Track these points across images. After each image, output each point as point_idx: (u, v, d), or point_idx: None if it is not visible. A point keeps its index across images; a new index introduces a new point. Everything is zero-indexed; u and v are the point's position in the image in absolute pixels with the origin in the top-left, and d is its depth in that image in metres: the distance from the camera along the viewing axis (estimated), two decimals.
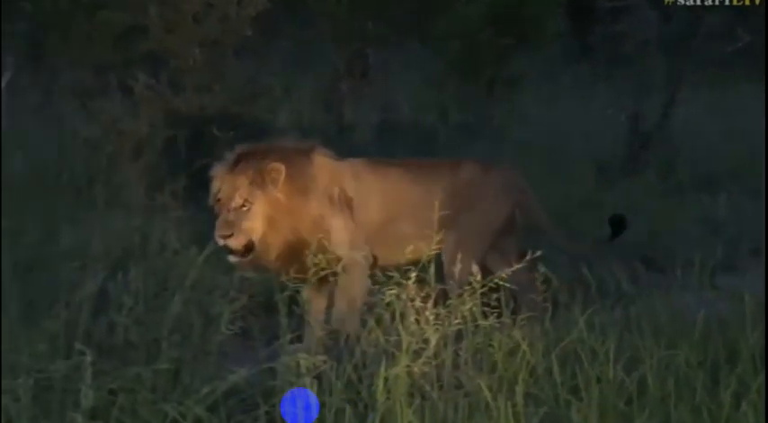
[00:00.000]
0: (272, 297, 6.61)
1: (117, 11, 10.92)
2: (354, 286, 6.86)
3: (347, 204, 6.94)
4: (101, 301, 5.95)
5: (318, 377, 5.61)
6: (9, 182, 9.07)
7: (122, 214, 8.36)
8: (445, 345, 5.82)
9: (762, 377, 5.60)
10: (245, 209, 6.65)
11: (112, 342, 5.77)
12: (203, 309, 6.05)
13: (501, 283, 6.17)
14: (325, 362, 5.67)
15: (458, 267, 6.42)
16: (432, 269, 6.22)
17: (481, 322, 5.96)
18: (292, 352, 5.85)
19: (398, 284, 5.94)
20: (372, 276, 6.61)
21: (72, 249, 7.28)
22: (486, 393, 5.50)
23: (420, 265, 6.23)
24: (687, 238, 9.26)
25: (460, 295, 6.01)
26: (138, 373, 5.45)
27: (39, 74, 13.78)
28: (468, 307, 5.94)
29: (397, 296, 5.89)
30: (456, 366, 5.81)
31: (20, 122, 11.27)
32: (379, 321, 5.92)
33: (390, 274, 6.01)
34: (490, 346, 5.90)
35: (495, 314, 6.04)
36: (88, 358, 5.29)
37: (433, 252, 6.53)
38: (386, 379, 5.54)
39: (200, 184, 7.24)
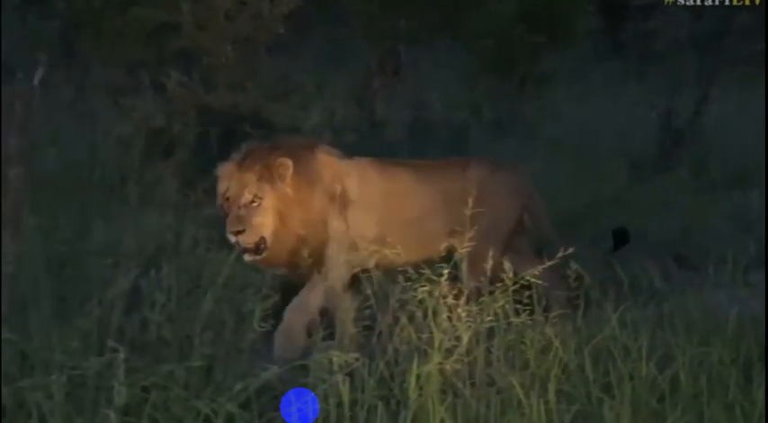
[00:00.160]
0: None
1: (149, 8, 10.91)
2: (319, 293, 6.86)
3: (345, 205, 6.92)
4: (133, 299, 5.98)
5: (351, 374, 5.62)
6: (42, 179, 9.10)
7: (155, 212, 8.35)
8: (477, 342, 5.83)
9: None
10: (254, 205, 6.66)
11: (145, 339, 5.80)
12: (235, 306, 6.07)
13: (532, 280, 6.17)
14: (357, 359, 5.69)
15: (474, 267, 6.43)
16: (464, 266, 6.23)
17: (513, 319, 5.97)
18: (325, 349, 5.86)
19: (430, 281, 5.95)
20: (404, 273, 6.61)
21: (105, 247, 7.28)
22: (519, 391, 5.50)
23: (452, 262, 6.23)
24: (719, 235, 9.20)
25: (492, 293, 6.01)
26: (170, 371, 5.48)
27: (71, 71, 13.80)
28: (500, 304, 5.94)
29: (430, 293, 5.89)
30: (488, 364, 5.82)
31: (52, 120, 11.28)
32: (411, 318, 5.93)
33: (422, 271, 6.01)
34: (522, 343, 5.90)
35: (527, 311, 6.04)
36: (121, 355, 5.32)
37: (464, 250, 6.52)
38: (418, 376, 5.55)
39: None
